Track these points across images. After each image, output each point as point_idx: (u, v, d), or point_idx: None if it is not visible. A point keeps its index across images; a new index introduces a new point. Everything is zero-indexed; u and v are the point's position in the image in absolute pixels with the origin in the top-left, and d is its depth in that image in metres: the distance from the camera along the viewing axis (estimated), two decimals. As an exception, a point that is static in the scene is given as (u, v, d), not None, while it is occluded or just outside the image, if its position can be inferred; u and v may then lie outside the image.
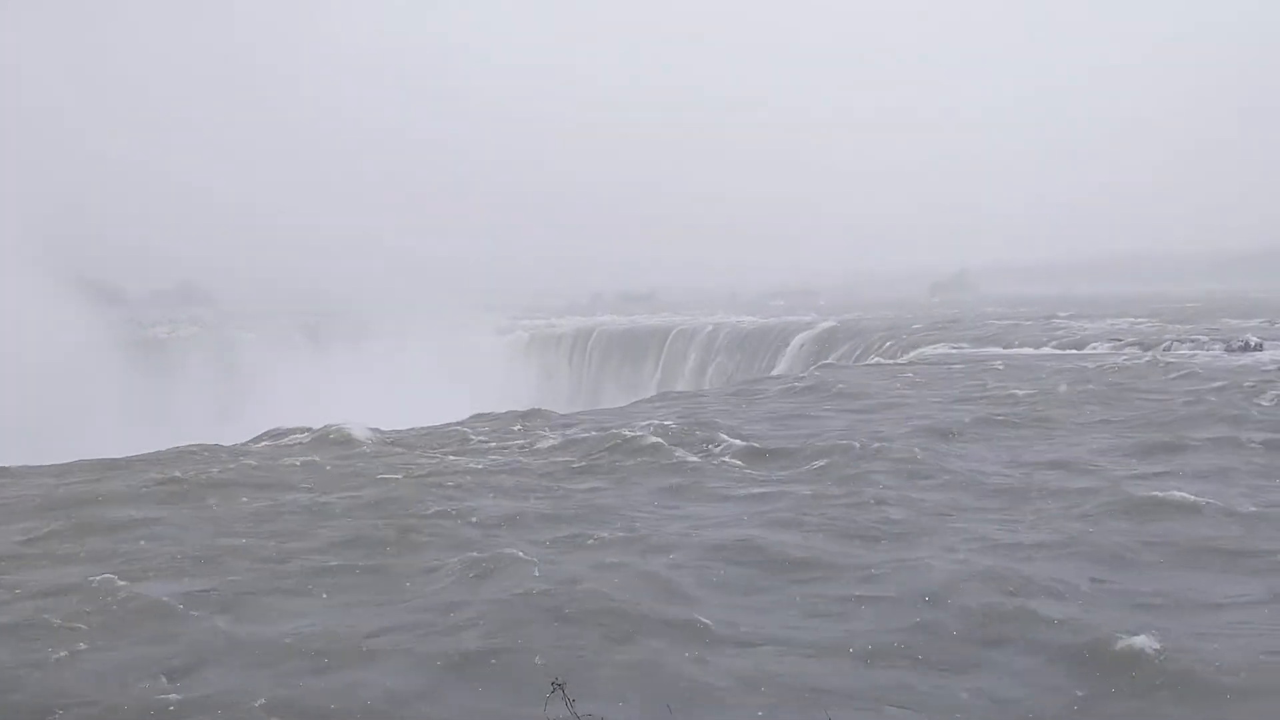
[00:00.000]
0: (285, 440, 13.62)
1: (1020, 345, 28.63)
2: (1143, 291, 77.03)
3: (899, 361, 26.58)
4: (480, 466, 11.77)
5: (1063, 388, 17.71)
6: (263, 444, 13.72)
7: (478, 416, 15.99)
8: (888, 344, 33.85)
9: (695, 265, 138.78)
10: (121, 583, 7.24)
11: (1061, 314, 42.31)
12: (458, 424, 15.49)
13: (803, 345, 41.14)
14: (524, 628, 6.37)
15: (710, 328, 49.22)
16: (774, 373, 37.66)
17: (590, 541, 8.37)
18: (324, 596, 7.14)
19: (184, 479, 10.77)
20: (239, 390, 45.04)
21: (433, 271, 74.25)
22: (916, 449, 11.82)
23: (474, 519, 9.13)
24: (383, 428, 14.55)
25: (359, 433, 13.60)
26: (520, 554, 7.84)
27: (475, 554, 7.87)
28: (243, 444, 13.52)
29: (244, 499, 10.07)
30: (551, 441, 13.46)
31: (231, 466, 11.61)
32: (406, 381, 41.65)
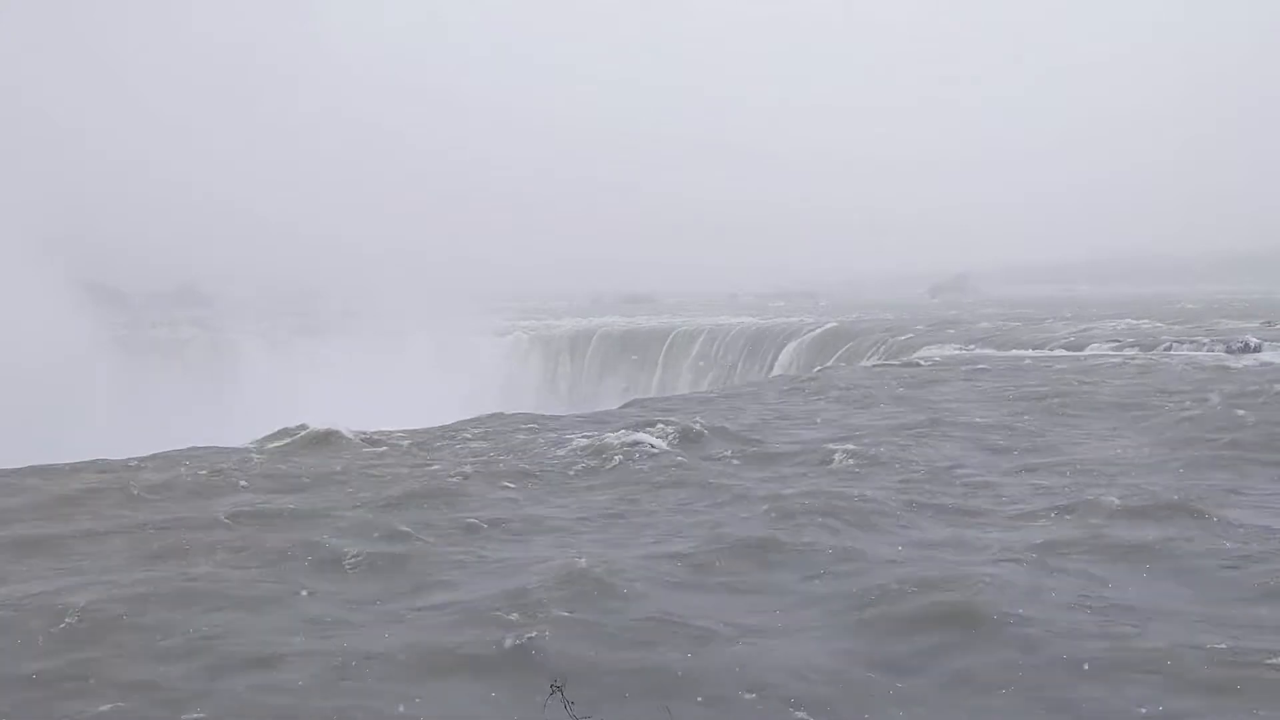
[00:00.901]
0: (272, 444, 13.59)
1: (1017, 347, 28.62)
2: (1143, 292, 76.98)
3: (896, 363, 26.56)
4: (423, 470, 11.77)
5: (1022, 389, 17.70)
6: (249, 445, 13.70)
7: (412, 433, 15.60)
8: (885, 347, 33.84)
9: (695, 266, 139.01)
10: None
11: (1061, 316, 42.27)
12: (423, 428, 15.23)
13: (802, 347, 41.16)
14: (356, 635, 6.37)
15: (710, 329, 49.22)
16: (773, 374, 37.68)
17: (478, 542, 8.46)
18: (191, 595, 7.11)
19: (109, 481, 10.79)
20: (238, 391, 45.14)
21: (432, 272, 74.24)
22: (849, 451, 11.68)
23: (357, 524, 9.09)
24: (383, 429, 14.48)
25: (336, 434, 13.62)
26: (387, 550, 7.98)
27: (350, 552, 7.99)
28: (189, 450, 13.26)
29: (162, 503, 10.07)
30: (485, 445, 13.37)
31: (174, 472, 11.49)
32: (405, 383, 41.63)
